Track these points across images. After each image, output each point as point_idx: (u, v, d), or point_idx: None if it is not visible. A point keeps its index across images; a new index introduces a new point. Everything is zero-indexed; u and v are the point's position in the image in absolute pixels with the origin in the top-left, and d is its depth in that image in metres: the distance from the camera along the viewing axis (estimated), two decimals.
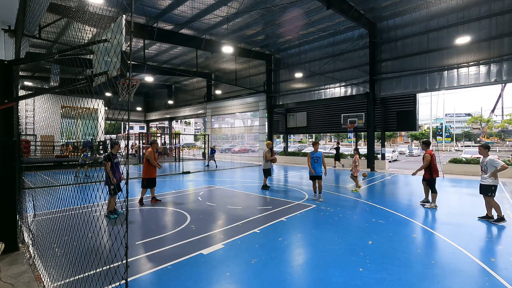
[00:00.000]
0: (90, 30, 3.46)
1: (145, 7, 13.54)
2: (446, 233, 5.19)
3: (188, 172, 14.97)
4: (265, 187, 9.76)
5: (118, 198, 6.56)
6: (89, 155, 13.90)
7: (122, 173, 6.63)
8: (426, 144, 7.41)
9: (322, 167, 8.03)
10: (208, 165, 18.25)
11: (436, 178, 7.14)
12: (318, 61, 18.62)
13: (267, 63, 21.34)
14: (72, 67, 3.32)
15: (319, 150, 8.16)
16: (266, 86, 21.47)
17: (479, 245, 4.61)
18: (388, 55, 15.57)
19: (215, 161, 18.30)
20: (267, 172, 9.83)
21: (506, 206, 7.31)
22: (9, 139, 4.13)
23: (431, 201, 7.21)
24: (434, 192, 7.14)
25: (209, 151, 18.57)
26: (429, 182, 7.20)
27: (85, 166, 13.27)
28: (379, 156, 17.05)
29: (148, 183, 7.43)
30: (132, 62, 9.95)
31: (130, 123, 4.95)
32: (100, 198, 2.54)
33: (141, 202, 7.39)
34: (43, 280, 3.36)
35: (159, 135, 35.39)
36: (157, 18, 14.72)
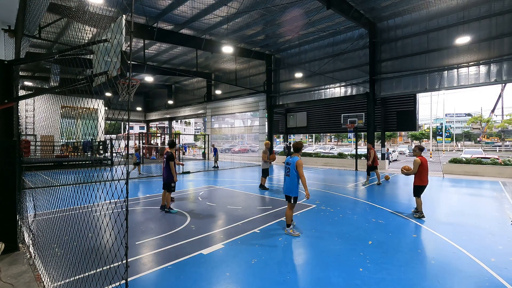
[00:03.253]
0: (90, 30, 3.47)
1: (145, 7, 13.54)
2: (446, 233, 5.19)
3: (188, 172, 14.97)
4: (263, 188, 9.76)
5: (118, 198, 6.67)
6: (140, 155, 14.89)
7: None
8: (370, 143, 11.84)
9: (300, 182, 5.05)
10: (217, 166, 17.67)
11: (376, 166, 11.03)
12: (318, 61, 18.62)
13: (267, 63, 21.34)
14: (72, 67, 3.32)
15: (295, 155, 5.15)
16: (266, 86, 21.47)
17: (479, 245, 4.60)
18: (388, 55, 15.56)
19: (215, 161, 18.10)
20: (265, 172, 9.83)
21: (506, 206, 7.30)
22: (9, 139, 4.13)
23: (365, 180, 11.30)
24: (368, 175, 11.37)
25: (213, 151, 18.22)
26: (371, 169, 11.03)
27: (138, 165, 14.31)
28: (379, 155, 17.04)
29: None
30: (132, 62, 9.96)
31: (130, 123, 4.95)
32: (100, 198, 2.54)
33: (172, 200, 7.81)
34: (43, 280, 3.36)
35: (159, 135, 35.39)
36: (157, 18, 14.72)
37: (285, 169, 5.23)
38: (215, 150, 18.08)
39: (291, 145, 12.15)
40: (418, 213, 6.26)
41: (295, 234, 5.07)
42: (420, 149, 6.45)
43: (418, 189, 6.32)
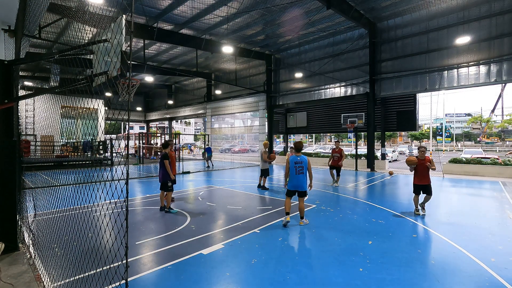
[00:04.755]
0: (90, 30, 3.46)
1: (145, 7, 13.54)
2: (446, 233, 5.19)
3: (188, 172, 14.97)
4: (263, 188, 9.75)
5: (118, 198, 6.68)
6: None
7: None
8: (337, 142, 11.23)
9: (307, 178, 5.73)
10: (211, 166, 17.94)
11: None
12: (318, 61, 18.62)
13: (267, 63, 21.34)
14: (72, 67, 3.32)
15: (299, 154, 5.76)
16: (266, 86, 21.47)
17: (479, 245, 4.60)
18: (388, 55, 15.56)
19: (211, 161, 18.38)
20: (265, 172, 9.79)
21: (506, 206, 7.30)
22: (9, 139, 4.13)
23: (336, 181, 10.69)
24: (339, 175, 10.72)
25: (207, 151, 18.63)
26: (339, 169, 10.65)
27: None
28: (379, 155, 17.04)
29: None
30: (132, 62, 9.97)
31: (130, 123, 4.96)
32: (100, 198, 2.54)
33: (172, 200, 7.81)
34: (43, 280, 3.36)
35: (159, 135, 35.39)
36: (157, 18, 14.72)
37: (296, 168, 5.61)
38: (208, 150, 18.41)
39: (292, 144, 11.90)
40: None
41: (307, 222, 5.79)
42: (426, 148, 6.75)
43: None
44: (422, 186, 6.45)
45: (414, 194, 6.62)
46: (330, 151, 11.41)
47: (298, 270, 3.74)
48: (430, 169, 6.47)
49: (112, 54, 2.37)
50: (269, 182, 11.28)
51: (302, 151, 22.96)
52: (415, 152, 35.40)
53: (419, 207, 6.63)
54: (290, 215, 5.95)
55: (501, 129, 59.12)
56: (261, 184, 9.84)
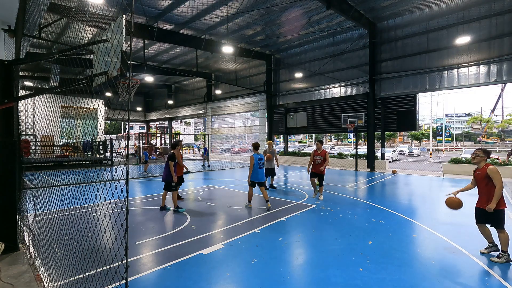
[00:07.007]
0: (90, 30, 3.46)
1: (145, 7, 13.54)
2: (446, 233, 5.19)
3: (188, 172, 14.96)
4: (271, 186, 9.82)
5: (119, 198, 6.68)
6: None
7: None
8: (320, 142, 8.40)
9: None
10: (207, 165, 18.40)
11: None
12: (318, 61, 18.63)
13: (267, 63, 21.34)
14: (72, 67, 3.32)
15: (259, 152, 7.12)
16: (266, 86, 21.47)
17: (479, 245, 4.60)
18: (388, 55, 15.57)
19: (208, 160, 18.87)
20: (271, 172, 9.60)
21: (506, 206, 7.29)
22: (9, 139, 4.13)
23: (319, 192, 8.26)
24: (322, 185, 8.21)
25: (203, 151, 19.32)
26: (322, 177, 8.12)
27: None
28: (379, 155, 17.04)
29: (179, 180, 7.55)
30: (132, 62, 9.96)
31: (130, 123, 4.96)
32: (100, 198, 2.54)
33: (179, 197, 7.95)
34: (43, 280, 3.36)
35: (159, 135, 35.39)
36: (157, 18, 14.72)
37: (259, 164, 6.90)
38: (205, 150, 19.24)
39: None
40: (505, 255, 3.91)
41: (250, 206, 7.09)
42: (486, 153, 4.43)
43: (502, 215, 4.03)
44: (484, 213, 4.14)
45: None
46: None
47: (298, 270, 3.74)
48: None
49: (112, 54, 2.36)
50: (268, 182, 11.25)
51: (304, 151, 23.06)
52: (415, 152, 35.16)
53: (493, 249, 4.19)
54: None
55: (501, 129, 59.10)
56: (271, 184, 9.92)
